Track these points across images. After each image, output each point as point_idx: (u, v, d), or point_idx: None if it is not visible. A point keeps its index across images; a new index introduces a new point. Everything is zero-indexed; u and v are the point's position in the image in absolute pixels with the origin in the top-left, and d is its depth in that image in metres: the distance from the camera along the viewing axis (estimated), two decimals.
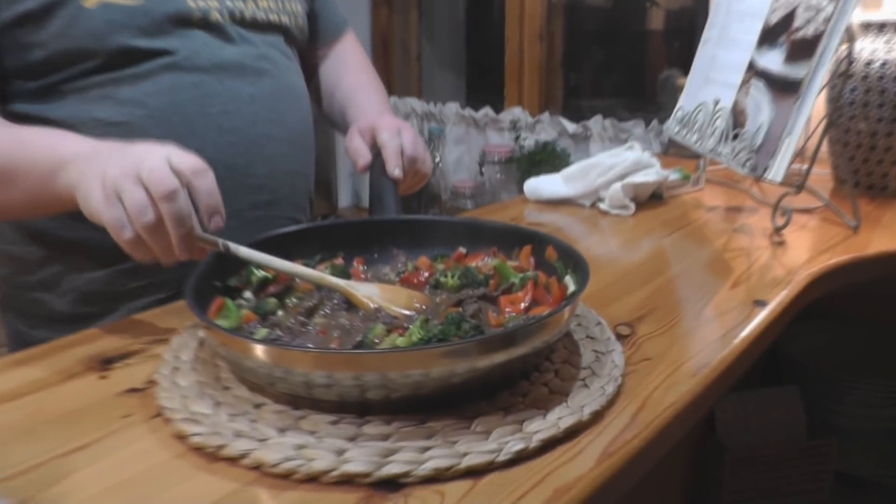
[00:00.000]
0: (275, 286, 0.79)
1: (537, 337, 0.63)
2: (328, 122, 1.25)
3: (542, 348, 0.65)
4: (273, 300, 0.76)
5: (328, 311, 0.75)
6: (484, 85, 3.05)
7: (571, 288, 0.75)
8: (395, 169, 0.96)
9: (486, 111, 2.69)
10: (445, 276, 0.79)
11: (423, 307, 0.74)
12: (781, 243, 1.11)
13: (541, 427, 0.59)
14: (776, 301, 0.89)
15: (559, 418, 0.61)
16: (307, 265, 0.79)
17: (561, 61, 2.75)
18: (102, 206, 0.71)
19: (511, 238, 0.84)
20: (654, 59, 2.88)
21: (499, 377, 0.63)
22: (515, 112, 2.62)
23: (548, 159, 2.34)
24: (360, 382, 0.58)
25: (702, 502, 1.37)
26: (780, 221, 1.14)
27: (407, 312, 0.73)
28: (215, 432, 0.58)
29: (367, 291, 0.75)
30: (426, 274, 0.81)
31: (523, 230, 0.87)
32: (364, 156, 0.99)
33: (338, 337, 0.68)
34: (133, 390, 0.68)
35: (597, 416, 0.62)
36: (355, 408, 0.60)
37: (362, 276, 0.83)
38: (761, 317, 0.85)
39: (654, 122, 2.31)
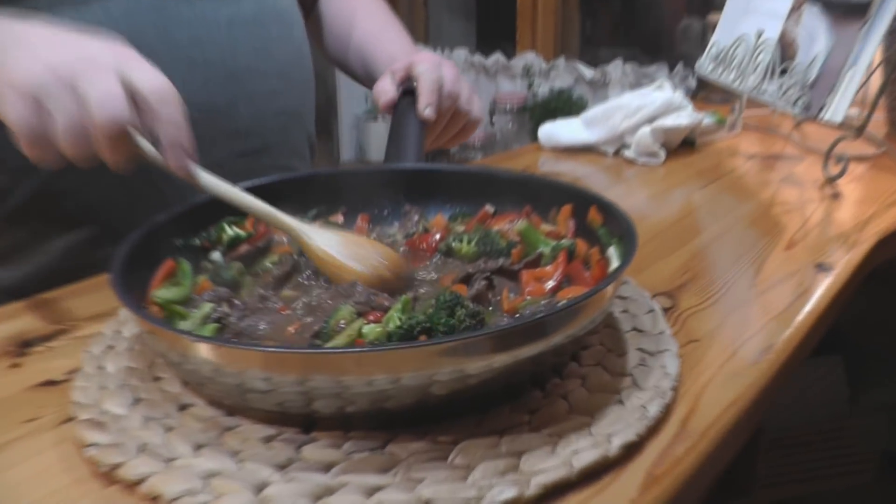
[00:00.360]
0: (249, 244, 0.66)
1: (558, 332, 0.46)
2: (338, 66, 1.08)
3: (564, 345, 0.48)
4: (237, 265, 0.63)
5: (303, 280, 0.61)
6: (495, 29, 2.92)
7: (614, 264, 0.59)
8: (426, 108, 0.80)
9: (497, 57, 2.58)
10: (460, 242, 0.64)
11: (390, 273, 0.58)
12: (837, 196, 0.97)
13: (546, 466, 0.42)
14: (842, 264, 0.75)
15: (574, 452, 0.43)
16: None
17: (578, 4, 2.60)
18: (15, 106, 0.54)
19: (551, 195, 0.67)
20: (674, 5, 2.76)
21: (499, 387, 0.47)
22: (528, 58, 2.51)
23: (563, 107, 2.24)
24: (303, 389, 0.42)
25: (733, 487, 1.25)
26: (833, 171, 0.99)
27: (362, 270, 0.57)
28: (116, 443, 0.45)
29: (324, 242, 0.59)
30: (437, 237, 0.66)
31: (568, 186, 0.69)
32: (388, 91, 0.83)
33: (300, 317, 0.54)
34: (49, 383, 0.54)
35: (630, 450, 0.45)
36: (299, 420, 0.45)
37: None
38: (826, 284, 0.70)
39: (679, 66, 2.16)
